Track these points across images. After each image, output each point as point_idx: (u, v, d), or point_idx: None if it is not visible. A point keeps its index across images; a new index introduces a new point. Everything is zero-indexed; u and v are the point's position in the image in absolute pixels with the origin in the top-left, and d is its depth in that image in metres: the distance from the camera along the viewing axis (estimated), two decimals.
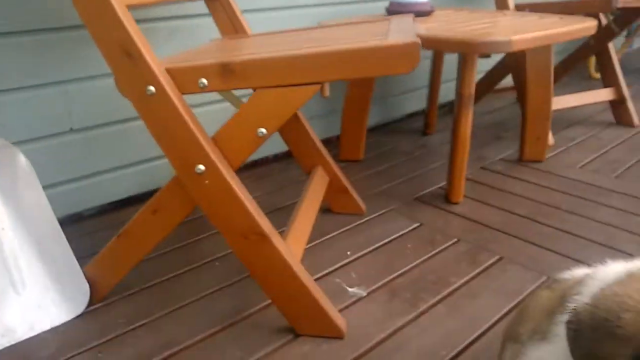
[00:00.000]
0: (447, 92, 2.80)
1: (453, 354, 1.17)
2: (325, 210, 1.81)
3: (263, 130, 1.06)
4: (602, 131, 2.61)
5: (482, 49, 1.53)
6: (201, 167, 1.08)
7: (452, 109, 2.45)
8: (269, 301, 1.31)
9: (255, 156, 2.19)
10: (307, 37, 1.32)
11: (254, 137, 1.08)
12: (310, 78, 0.99)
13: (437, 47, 1.66)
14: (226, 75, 1.04)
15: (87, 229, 1.74)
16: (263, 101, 1.05)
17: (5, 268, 1.23)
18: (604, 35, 2.57)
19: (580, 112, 2.88)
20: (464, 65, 1.66)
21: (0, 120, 1.52)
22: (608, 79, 2.64)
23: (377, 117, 2.65)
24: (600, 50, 2.63)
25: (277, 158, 2.29)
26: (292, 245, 1.25)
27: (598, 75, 3.42)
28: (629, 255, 1.52)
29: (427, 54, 2.55)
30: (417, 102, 2.76)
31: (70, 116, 1.65)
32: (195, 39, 1.87)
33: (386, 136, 2.59)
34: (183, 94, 1.10)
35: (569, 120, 2.76)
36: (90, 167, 1.74)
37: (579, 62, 2.77)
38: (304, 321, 1.21)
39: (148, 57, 1.07)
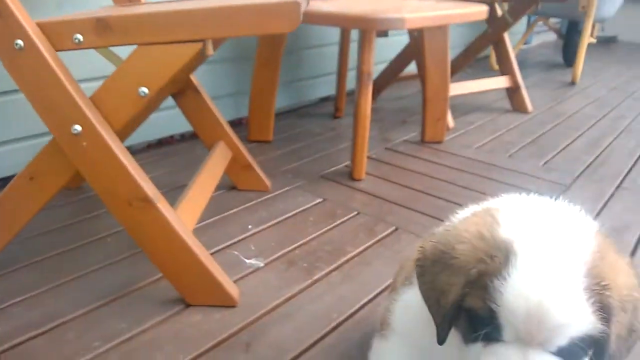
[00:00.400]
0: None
1: (344, 317, 1.19)
2: (230, 187, 1.79)
3: (145, 89, 1.02)
4: (499, 116, 2.79)
5: (378, 26, 1.57)
6: (77, 127, 1.02)
7: None
8: (160, 275, 1.27)
9: (160, 134, 2.12)
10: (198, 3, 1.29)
11: (135, 97, 1.03)
12: (190, 35, 0.97)
13: (335, 23, 1.69)
14: (102, 31, 0.99)
15: None
16: (143, 59, 1.01)
17: None
18: (499, 25, 2.74)
19: (479, 99, 3.05)
20: (363, 43, 1.70)
21: None
22: (504, 68, 2.82)
23: (288, 101, 2.65)
24: (496, 41, 2.80)
25: (183, 138, 2.23)
26: (183, 216, 1.21)
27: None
28: None
29: (335, 39, 2.59)
30: (328, 87, 2.79)
31: None
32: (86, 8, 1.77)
33: (297, 119, 2.60)
34: (57, 50, 1.03)
35: (469, 106, 2.92)
36: None
37: (478, 52, 2.94)
38: (195, 291, 1.19)
39: (16, 12, 1.00)
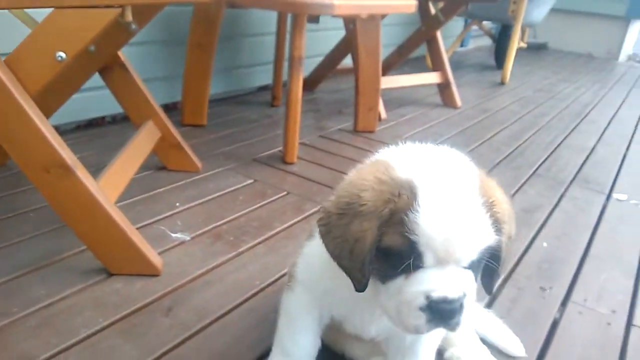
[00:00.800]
0: None
1: (266, 283, 1.24)
2: (160, 168, 1.79)
3: (62, 54, 1.03)
4: (430, 111, 2.93)
5: (309, 10, 1.64)
6: None
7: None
8: (84, 247, 1.27)
9: (90, 115, 2.09)
10: None
11: (52, 61, 1.04)
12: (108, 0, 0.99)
13: (269, 6, 1.74)
14: None
15: None
16: (59, 22, 1.02)
17: None
18: (432, 23, 2.87)
19: (413, 95, 3.18)
20: (294, 27, 1.76)
21: None
22: (436, 64, 2.96)
23: (226, 88, 2.67)
24: (430, 38, 2.94)
25: (114, 120, 2.20)
26: (105, 188, 1.21)
27: None
28: None
29: (273, 29, 2.63)
30: (266, 75, 2.83)
31: None
32: None
33: (234, 106, 2.62)
34: None
35: (402, 100, 3.04)
36: None
37: (412, 49, 3.06)
38: (117, 260, 1.20)
39: None
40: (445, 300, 0.67)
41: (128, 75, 1.60)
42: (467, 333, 1.05)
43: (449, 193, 0.67)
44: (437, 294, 0.67)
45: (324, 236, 0.75)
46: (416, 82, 2.85)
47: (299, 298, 0.88)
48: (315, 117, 2.57)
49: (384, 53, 3.22)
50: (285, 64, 2.58)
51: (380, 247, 0.69)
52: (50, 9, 1.02)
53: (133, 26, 1.42)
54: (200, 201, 1.61)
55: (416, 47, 3.07)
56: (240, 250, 1.37)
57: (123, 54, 1.58)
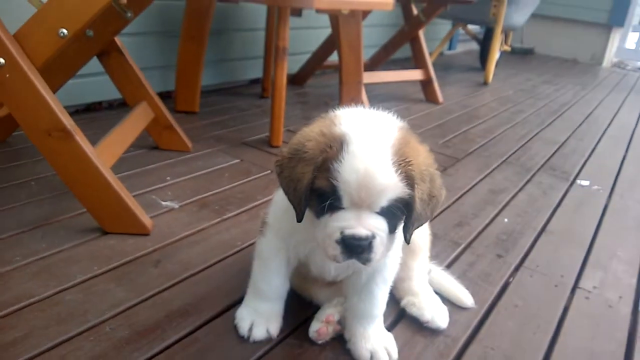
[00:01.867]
0: None
1: (247, 244, 1.37)
2: (152, 147, 1.92)
3: (64, 30, 1.16)
4: (413, 105, 3.07)
5: (291, 3, 1.78)
6: (0, 60, 1.14)
7: (290, 79, 2.71)
8: (81, 210, 1.40)
9: (88, 100, 2.22)
10: None
11: (55, 38, 1.17)
12: None
13: (255, 0, 1.88)
14: None
15: None
16: (62, 2, 1.15)
17: None
18: (414, 23, 3.02)
19: (398, 91, 3.33)
20: (279, 19, 1.90)
21: None
22: (418, 62, 3.11)
23: (218, 79, 2.80)
24: (412, 38, 3.09)
25: (111, 106, 2.33)
26: (102, 155, 1.34)
27: None
28: None
29: (262, 24, 2.77)
30: (257, 69, 2.97)
31: None
32: None
33: (226, 96, 2.76)
34: None
35: (387, 96, 3.19)
36: None
37: (396, 47, 3.22)
38: (111, 219, 1.32)
39: None
40: (354, 237, 0.81)
41: (124, 60, 1.73)
42: (422, 285, 1.18)
43: (366, 149, 0.80)
44: (348, 231, 0.81)
45: (279, 175, 0.90)
46: (399, 78, 2.99)
47: (270, 241, 1.01)
48: (303, 109, 2.71)
49: (370, 53, 3.39)
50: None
51: (313, 188, 0.83)
52: None
53: (129, 14, 1.56)
54: (190, 176, 1.74)
55: (400, 45, 3.22)
56: (225, 217, 1.50)
57: (120, 42, 1.72)
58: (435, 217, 1.64)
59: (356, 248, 0.81)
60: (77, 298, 1.10)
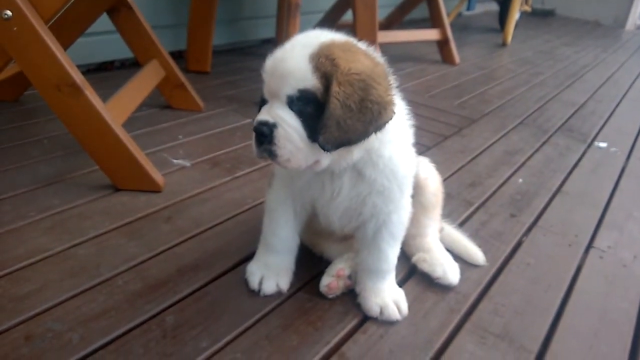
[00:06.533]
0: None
1: (258, 202, 1.36)
2: (164, 106, 1.91)
3: None
4: (429, 66, 3.00)
5: None
6: (8, 12, 1.12)
7: None
8: (93, 168, 1.40)
9: (100, 59, 2.20)
10: None
11: None
12: None
13: None
14: None
15: None
16: None
17: None
18: None
19: (414, 52, 3.25)
20: None
21: None
22: (435, 22, 3.02)
23: (230, 39, 2.76)
24: None
25: (123, 65, 2.31)
26: (112, 112, 1.33)
27: None
28: (427, 146, 1.83)
29: None
30: (270, 29, 2.90)
31: None
32: None
33: (237, 56, 2.72)
34: None
35: (403, 57, 3.12)
36: None
37: (413, 6, 3.12)
38: (123, 176, 1.33)
39: None
40: (258, 122, 0.82)
41: (134, 16, 1.70)
42: (434, 242, 1.17)
43: (293, 43, 0.83)
44: (257, 117, 0.83)
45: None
46: (414, 37, 2.92)
47: (277, 192, 1.00)
48: None
49: (385, 12, 3.29)
50: None
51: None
52: None
53: None
54: (201, 135, 1.73)
55: (416, 4, 3.13)
56: (236, 175, 1.50)
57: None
58: (449, 176, 1.62)
59: (259, 136, 0.82)
60: (90, 252, 1.11)
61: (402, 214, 0.99)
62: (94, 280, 1.02)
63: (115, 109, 1.37)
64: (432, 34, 2.99)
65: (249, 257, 1.10)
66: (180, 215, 1.27)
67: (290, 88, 0.79)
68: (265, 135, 0.81)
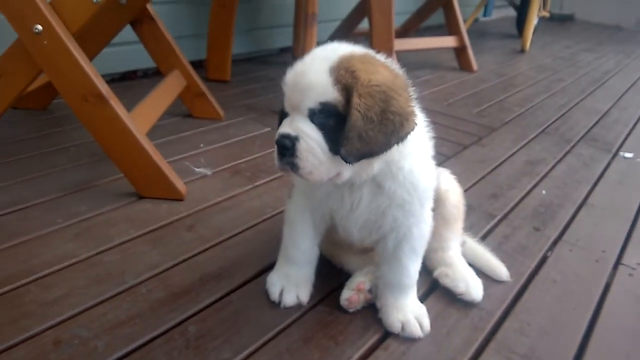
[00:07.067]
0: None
1: (278, 211, 1.37)
2: (186, 115, 1.94)
3: None
4: (447, 73, 2.99)
5: None
6: (39, 27, 1.16)
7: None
8: (117, 175, 1.42)
9: (124, 69, 2.24)
10: None
11: (89, 4, 1.18)
12: None
13: None
14: None
15: None
16: None
17: None
18: None
19: (432, 59, 3.24)
20: None
21: None
22: (452, 29, 3.01)
23: (248, 48, 2.79)
24: (445, 3, 2.98)
25: (146, 75, 2.35)
26: (136, 121, 1.36)
27: None
28: (446, 156, 1.82)
29: None
30: (287, 38, 2.92)
31: None
32: None
33: (256, 65, 2.75)
34: None
35: (420, 64, 3.11)
36: None
37: (429, 13, 3.12)
38: (146, 184, 1.35)
39: None
40: (280, 135, 0.82)
41: (156, 27, 1.73)
42: (456, 256, 1.16)
43: (313, 55, 0.83)
44: (279, 130, 0.84)
45: None
46: (432, 45, 2.91)
47: (296, 203, 1.01)
48: None
49: (402, 20, 3.29)
50: None
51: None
52: None
53: None
54: (222, 144, 1.75)
55: (433, 12, 3.12)
56: (257, 184, 1.51)
57: (153, 10, 1.71)
58: (469, 188, 1.61)
59: (281, 148, 0.82)
60: (115, 259, 1.13)
61: (423, 227, 0.98)
62: (118, 288, 1.04)
63: (140, 118, 1.40)
64: (449, 41, 2.98)
65: (270, 267, 1.11)
66: (202, 224, 1.28)
67: (312, 101, 0.80)
68: (287, 148, 0.81)
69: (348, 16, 2.92)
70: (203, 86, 1.87)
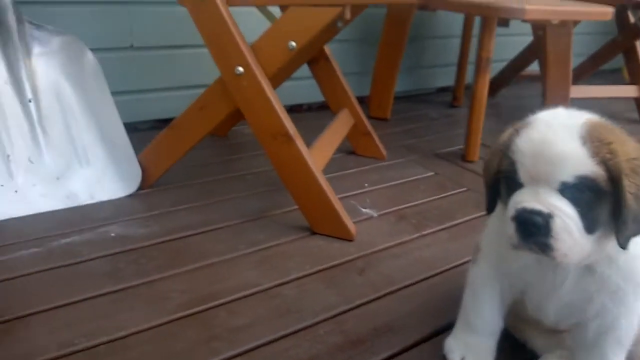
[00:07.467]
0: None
1: (449, 266, 1.32)
2: (349, 152, 1.98)
3: (293, 43, 1.26)
4: (625, 126, 2.66)
5: (500, 13, 1.69)
6: (240, 69, 1.28)
7: None
8: (292, 207, 1.49)
9: (291, 102, 2.38)
10: None
11: (285, 49, 1.28)
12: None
13: (460, 10, 1.83)
14: None
15: (141, 139, 1.93)
16: (293, 18, 1.25)
17: (73, 145, 1.44)
18: (631, 32, 2.66)
19: (606, 108, 2.93)
20: (484, 29, 1.82)
21: (72, 29, 1.73)
22: (634, 77, 2.73)
23: (408, 86, 2.80)
24: (627, 49, 2.72)
25: (310, 108, 2.47)
26: (315, 157, 1.41)
27: None
28: None
29: (458, 32, 2.69)
30: (447, 77, 2.90)
31: (131, 34, 1.87)
32: None
33: (416, 104, 2.75)
34: (230, 5, 1.30)
35: (594, 113, 2.86)
36: (145, 84, 1.94)
37: (606, 59, 2.87)
38: (320, 221, 1.39)
39: None
40: (525, 210, 0.74)
41: (331, 67, 1.82)
42: None
43: (549, 122, 0.76)
44: (521, 204, 0.75)
45: (483, 170, 0.89)
46: (610, 94, 2.66)
47: (482, 269, 0.95)
48: (496, 121, 2.55)
49: (574, 62, 3.07)
50: (469, 67, 2.63)
51: (499, 173, 0.81)
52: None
53: (339, 24, 1.62)
54: (385, 185, 1.76)
55: (611, 57, 2.87)
56: (424, 232, 1.48)
57: (329, 50, 1.80)
58: None
59: (530, 226, 0.74)
60: (293, 294, 1.16)
61: (633, 319, 0.86)
62: (298, 325, 1.07)
63: (317, 155, 1.45)
64: (629, 91, 2.71)
65: (445, 328, 1.06)
66: (372, 269, 1.28)
67: (567, 174, 0.73)
68: (538, 226, 0.75)
69: (516, 57, 2.80)
70: (368, 125, 1.90)
